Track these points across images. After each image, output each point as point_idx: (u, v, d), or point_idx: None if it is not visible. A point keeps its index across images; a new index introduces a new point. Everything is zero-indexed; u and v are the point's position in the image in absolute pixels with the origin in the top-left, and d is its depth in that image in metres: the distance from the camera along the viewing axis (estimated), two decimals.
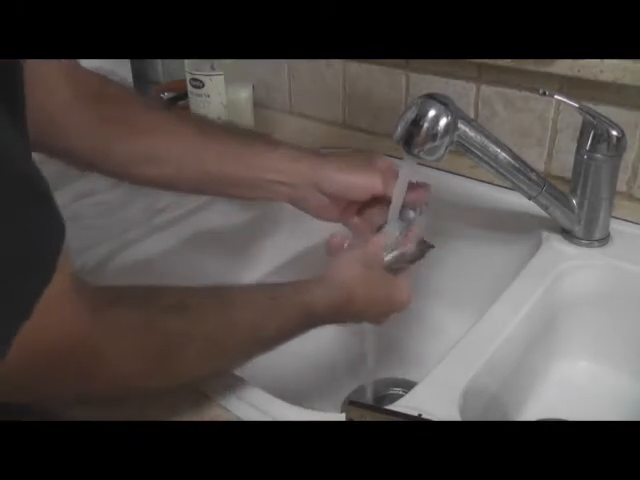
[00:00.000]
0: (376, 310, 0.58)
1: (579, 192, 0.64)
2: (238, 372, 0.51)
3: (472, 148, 0.58)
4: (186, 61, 0.82)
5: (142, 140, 0.57)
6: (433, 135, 0.54)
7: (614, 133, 0.60)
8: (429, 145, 0.55)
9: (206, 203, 0.76)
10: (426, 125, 0.54)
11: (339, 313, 0.54)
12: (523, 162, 0.61)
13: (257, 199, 0.63)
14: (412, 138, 0.55)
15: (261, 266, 0.80)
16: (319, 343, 0.77)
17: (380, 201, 0.60)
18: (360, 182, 0.60)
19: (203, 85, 0.81)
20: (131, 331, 0.41)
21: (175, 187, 0.62)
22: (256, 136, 0.66)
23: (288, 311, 0.50)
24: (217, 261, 0.77)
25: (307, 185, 0.60)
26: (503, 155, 0.59)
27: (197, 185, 0.61)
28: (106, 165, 0.57)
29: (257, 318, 0.49)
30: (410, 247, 0.59)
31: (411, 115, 0.55)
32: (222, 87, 0.81)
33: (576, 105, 0.60)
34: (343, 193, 0.60)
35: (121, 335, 0.40)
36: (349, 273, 0.55)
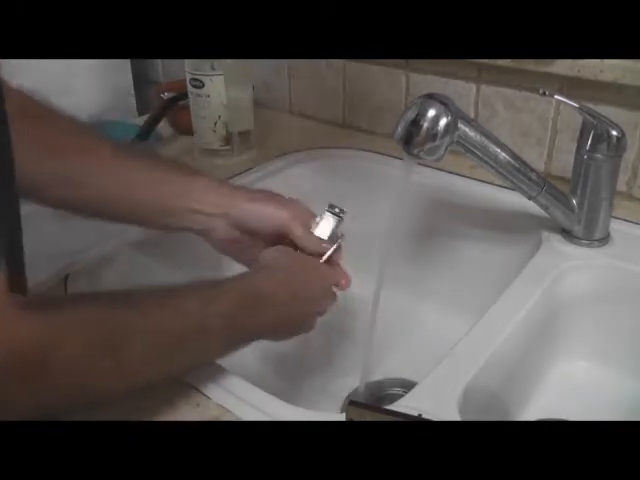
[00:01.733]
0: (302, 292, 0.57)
1: (579, 192, 0.64)
2: (238, 372, 0.51)
3: (472, 148, 0.58)
4: (186, 61, 0.82)
5: (59, 161, 0.56)
6: (433, 135, 0.54)
7: (614, 133, 0.60)
8: (429, 145, 0.55)
9: None
10: (426, 125, 0.54)
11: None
12: (523, 162, 0.61)
13: (170, 229, 0.62)
14: (412, 138, 0.55)
15: None
16: (319, 343, 0.77)
17: (286, 244, 0.60)
18: (266, 211, 0.60)
19: (203, 85, 0.81)
20: (75, 329, 0.40)
21: (92, 212, 0.59)
22: (176, 164, 0.65)
23: (229, 295, 0.51)
24: (217, 260, 0.77)
25: (220, 215, 0.60)
26: (503, 155, 0.59)
27: (101, 208, 0.59)
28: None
29: (200, 305, 0.49)
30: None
31: (411, 115, 0.55)
32: (222, 87, 0.81)
33: (576, 105, 0.60)
34: (248, 221, 0.60)
35: (66, 335, 0.39)
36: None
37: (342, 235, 0.62)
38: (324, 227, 0.61)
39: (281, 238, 0.60)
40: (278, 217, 0.60)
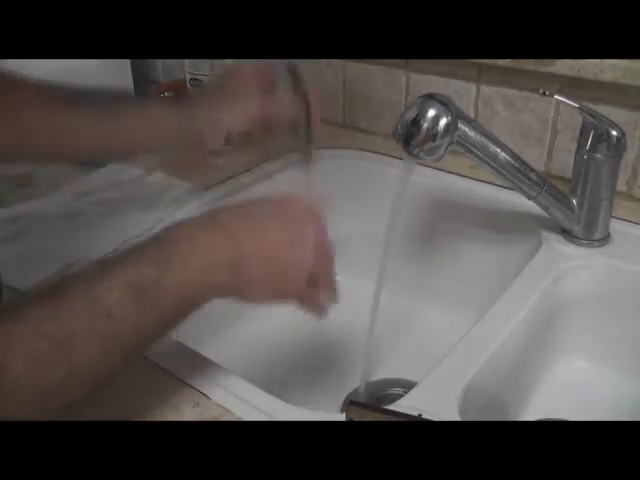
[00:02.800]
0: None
1: (579, 192, 0.64)
2: (238, 372, 0.51)
3: (472, 148, 0.58)
4: (186, 61, 0.82)
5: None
6: (433, 135, 0.54)
7: (614, 133, 0.60)
8: (429, 145, 0.55)
9: (207, 202, 0.76)
10: (426, 125, 0.54)
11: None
12: (523, 162, 0.61)
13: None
14: (412, 138, 0.55)
15: None
16: (318, 343, 0.77)
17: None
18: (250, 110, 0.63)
19: (203, 85, 0.81)
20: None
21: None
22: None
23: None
24: None
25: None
26: (503, 155, 0.59)
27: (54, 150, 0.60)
28: None
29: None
30: None
31: (411, 115, 0.55)
32: None
33: (576, 105, 0.60)
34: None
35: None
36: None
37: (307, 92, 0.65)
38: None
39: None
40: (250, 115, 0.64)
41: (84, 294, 0.40)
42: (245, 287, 0.48)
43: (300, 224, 0.50)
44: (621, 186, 0.72)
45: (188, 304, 0.45)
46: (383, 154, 0.85)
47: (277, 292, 0.50)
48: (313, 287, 0.51)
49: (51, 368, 0.38)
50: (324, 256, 0.52)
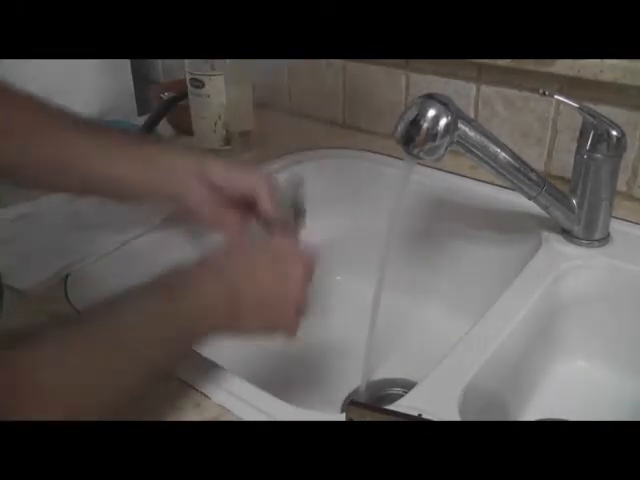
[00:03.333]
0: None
1: (579, 192, 0.64)
2: (238, 372, 0.51)
3: (472, 148, 0.58)
4: (186, 61, 0.82)
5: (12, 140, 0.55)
6: (433, 135, 0.54)
7: (614, 133, 0.60)
8: (429, 145, 0.55)
9: None
10: (426, 125, 0.54)
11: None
12: (523, 162, 0.61)
13: (140, 200, 0.63)
14: (412, 138, 0.55)
15: None
16: (318, 343, 0.77)
17: (255, 212, 0.61)
18: (244, 175, 0.62)
19: (203, 85, 0.81)
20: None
21: (52, 187, 0.62)
22: (124, 131, 0.67)
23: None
24: None
25: (192, 179, 0.60)
26: (503, 155, 0.59)
27: (54, 181, 0.59)
28: None
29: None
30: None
31: (411, 115, 0.55)
32: (222, 87, 0.81)
33: (576, 105, 0.60)
34: (226, 182, 0.61)
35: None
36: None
37: (305, 210, 0.63)
38: (285, 197, 0.62)
39: (247, 204, 0.61)
40: (248, 178, 0.61)
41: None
42: (239, 325, 0.51)
43: (289, 261, 0.54)
44: (621, 186, 0.72)
45: (185, 347, 0.48)
46: (383, 154, 0.85)
47: (269, 325, 0.54)
48: (299, 316, 0.55)
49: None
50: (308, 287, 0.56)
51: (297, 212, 0.62)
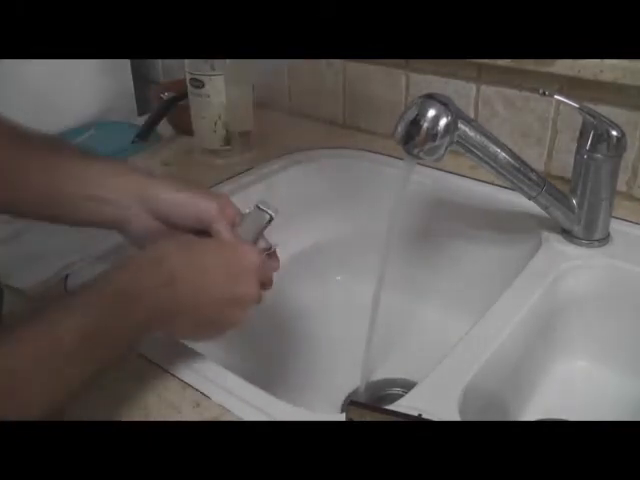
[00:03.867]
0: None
1: (579, 192, 0.64)
2: (238, 372, 0.51)
3: (472, 148, 0.58)
4: (186, 61, 0.82)
5: None
6: (433, 135, 0.54)
7: (614, 133, 0.60)
8: (429, 145, 0.55)
9: None
10: (426, 125, 0.54)
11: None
12: (523, 162, 0.61)
13: (77, 223, 0.54)
14: (412, 138, 0.55)
15: None
16: (319, 343, 0.77)
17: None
18: (189, 202, 0.53)
19: (203, 85, 0.81)
20: None
21: None
22: (67, 146, 0.57)
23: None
24: None
25: (134, 203, 0.52)
26: (503, 155, 0.59)
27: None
28: None
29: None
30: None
31: (411, 115, 0.55)
32: (222, 87, 0.81)
33: (576, 105, 0.60)
34: (172, 212, 0.53)
35: None
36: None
37: (275, 245, 0.55)
38: (249, 226, 0.54)
39: (203, 235, 0.53)
40: (201, 210, 0.53)
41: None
42: (180, 332, 0.49)
43: (240, 260, 0.50)
44: (621, 186, 0.72)
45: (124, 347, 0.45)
46: (383, 154, 0.85)
47: (217, 329, 0.51)
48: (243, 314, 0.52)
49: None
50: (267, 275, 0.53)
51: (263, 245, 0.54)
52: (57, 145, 0.56)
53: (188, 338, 0.52)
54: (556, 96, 0.60)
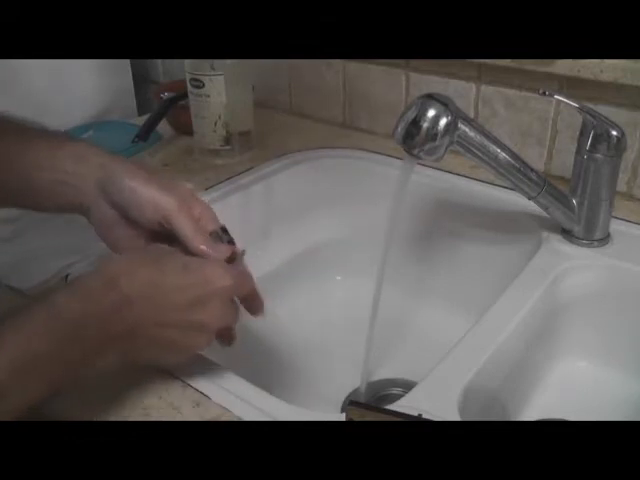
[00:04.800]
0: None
1: (579, 192, 0.64)
2: (238, 372, 0.51)
3: (472, 148, 0.58)
4: (186, 61, 0.82)
5: None
6: (433, 135, 0.54)
7: (614, 133, 0.60)
8: (429, 145, 0.55)
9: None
10: (426, 125, 0.54)
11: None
12: (523, 162, 0.61)
13: (47, 209, 0.53)
14: (412, 138, 0.55)
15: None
16: (319, 343, 0.77)
17: (170, 239, 0.50)
18: (146, 195, 0.49)
19: (203, 85, 0.81)
20: None
21: None
22: (41, 131, 0.53)
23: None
24: None
25: (93, 190, 0.50)
26: (503, 155, 0.59)
27: None
28: None
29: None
30: None
31: (411, 115, 0.55)
32: (222, 87, 0.81)
33: (576, 105, 0.60)
34: (129, 204, 0.49)
35: None
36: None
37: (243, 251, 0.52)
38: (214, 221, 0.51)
39: (164, 230, 0.50)
40: (160, 205, 0.49)
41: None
42: (138, 356, 0.46)
43: (207, 284, 0.46)
44: (621, 186, 0.72)
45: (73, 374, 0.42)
46: (383, 154, 0.85)
47: (178, 353, 0.48)
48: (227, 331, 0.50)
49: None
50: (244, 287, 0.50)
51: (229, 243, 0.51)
52: (23, 130, 0.53)
53: (148, 362, 0.49)
54: (556, 96, 0.60)
